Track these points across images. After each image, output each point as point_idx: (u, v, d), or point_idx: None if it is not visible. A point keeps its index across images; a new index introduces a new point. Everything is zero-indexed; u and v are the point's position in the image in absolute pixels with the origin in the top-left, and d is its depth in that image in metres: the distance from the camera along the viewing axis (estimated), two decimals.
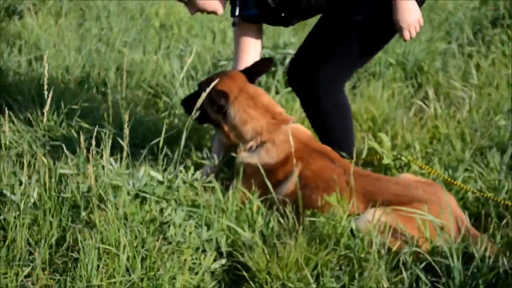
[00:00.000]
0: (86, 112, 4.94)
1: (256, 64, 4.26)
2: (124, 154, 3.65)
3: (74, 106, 4.81)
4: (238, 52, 4.32)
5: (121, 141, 3.70)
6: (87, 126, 4.72)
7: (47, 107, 3.56)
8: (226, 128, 4.17)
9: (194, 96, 4.22)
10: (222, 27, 6.65)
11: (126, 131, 3.55)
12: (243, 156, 4.13)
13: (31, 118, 4.90)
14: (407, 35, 3.81)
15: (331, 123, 4.21)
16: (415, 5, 3.80)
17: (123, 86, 4.83)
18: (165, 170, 3.98)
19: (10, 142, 4.64)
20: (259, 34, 4.33)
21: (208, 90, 3.77)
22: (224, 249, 3.60)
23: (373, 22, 3.99)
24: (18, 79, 5.38)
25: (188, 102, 4.23)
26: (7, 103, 5.03)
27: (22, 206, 3.57)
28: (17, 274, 3.24)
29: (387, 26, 3.91)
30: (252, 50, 4.31)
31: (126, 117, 3.58)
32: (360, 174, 3.83)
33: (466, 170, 4.15)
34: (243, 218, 3.75)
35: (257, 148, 4.09)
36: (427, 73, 5.50)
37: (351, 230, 3.49)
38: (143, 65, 5.72)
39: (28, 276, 3.27)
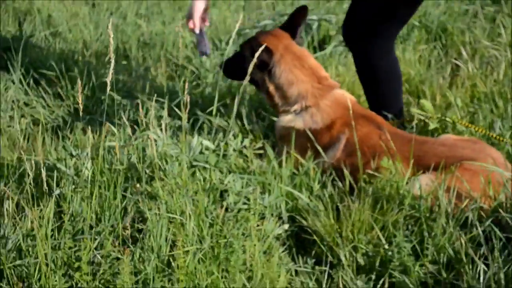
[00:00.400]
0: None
1: (292, 16, 4.21)
2: (183, 123, 3.59)
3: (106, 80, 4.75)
4: None
5: (177, 111, 3.66)
6: (119, 98, 4.68)
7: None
8: (270, 88, 4.11)
9: (235, 58, 4.18)
10: None
11: (186, 98, 3.50)
12: (287, 119, 4.08)
13: (61, 93, 4.84)
14: None
15: (384, 84, 4.19)
16: None
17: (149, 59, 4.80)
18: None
19: (45, 118, 4.60)
20: None
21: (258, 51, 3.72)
22: (284, 214, 3.58)
23: None
24: (40, 54, 5.30)
25: (228, 65, 4.18)
26: (34, 79, 4.96)
27: (77, 180, 3.52)
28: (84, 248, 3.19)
29: None
30: None
31: (185, 85, 3.55)
32: (406, 138, 3.81)
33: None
34: (299, 183, 3.73)
35: (301, 111, 4.05)
36: (452, 34, 5.48)
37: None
38: (163, 36, 5.65)
39: (96, 249, 3.22)
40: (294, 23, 4.19)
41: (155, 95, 4.03)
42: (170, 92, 4.73)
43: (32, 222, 3.22)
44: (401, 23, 4.16)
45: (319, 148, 3.85)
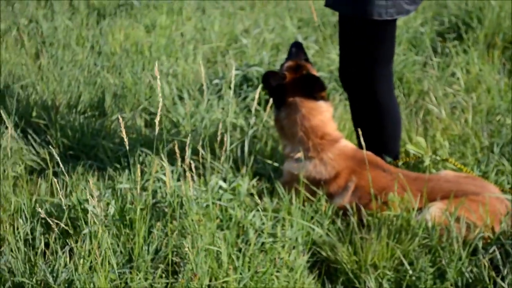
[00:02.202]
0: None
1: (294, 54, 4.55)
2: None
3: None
4: None
5: (203, 153, 3.86)
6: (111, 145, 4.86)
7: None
8: (277, 125, 4.44)
9: (266, 77, 4.42)
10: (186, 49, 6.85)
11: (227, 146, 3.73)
12: (292, 166, 4.33)
13: (50, 140, 4.98)
14: None
15: (381, 125, 4.40)
16: None
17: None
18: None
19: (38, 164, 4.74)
20: None
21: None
22: (304, 247, 3.83)
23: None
24: (20, 105, 5.42)
25: (265, 80, 4.42)
26: (22, 130, 5.10)
27: (102, 219, 3.68)
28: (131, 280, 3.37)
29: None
30: None
31: (225, 125, 3.77)
32: (412, 177, 4.12)
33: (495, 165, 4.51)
34: (309, 219, 3.99)
35: (305, 161, 4.29)
36: (409, 83, 5.86)
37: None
38: (136, 87, 5.84)
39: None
40: (311, 76, 4.44)
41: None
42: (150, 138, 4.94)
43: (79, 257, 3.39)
44: (393, 43, 4.31)
45: (319, 192, 4.13)
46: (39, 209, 3.44)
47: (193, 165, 3.83)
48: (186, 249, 3.41)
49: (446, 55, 6.45)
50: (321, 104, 4.36)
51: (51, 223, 3.68)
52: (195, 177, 4.05)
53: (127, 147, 3.61)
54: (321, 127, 4.32)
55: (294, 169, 4.29)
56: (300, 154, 4.27)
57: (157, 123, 3.50)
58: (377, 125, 4.38)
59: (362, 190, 4.10)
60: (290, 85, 4.35)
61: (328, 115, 4.38)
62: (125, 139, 3.46)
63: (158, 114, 3.51)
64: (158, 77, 3.61)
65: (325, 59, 6.35)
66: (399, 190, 3.98)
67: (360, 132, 4.21)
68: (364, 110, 4.37)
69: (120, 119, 3.49)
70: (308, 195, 4.12)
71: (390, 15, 3.95)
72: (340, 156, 4.24)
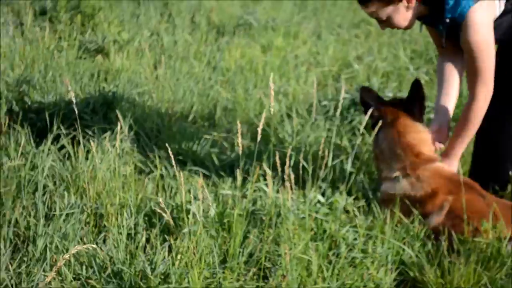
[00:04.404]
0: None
1: (411, 91, 4.51)
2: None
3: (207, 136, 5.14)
4: (440, 83, 4.55)
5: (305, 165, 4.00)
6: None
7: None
8: (376, 151, 4.51)
9: (363, 100, 4.56)
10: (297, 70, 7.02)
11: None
12: (389, 186, 4.42)
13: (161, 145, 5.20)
14: None
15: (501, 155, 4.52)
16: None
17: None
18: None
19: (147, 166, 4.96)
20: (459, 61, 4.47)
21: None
22: (392, 264, 3.91)
23: None
24: (136, 110, 5.68)
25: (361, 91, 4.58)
26: (135, 133, 5.34)
27: (203, 220, 3.85)
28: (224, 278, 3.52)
29: None
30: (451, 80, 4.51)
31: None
32: (508, 205, 4.15)
33: None
34: (401, 239, 4.07)
35: (401, 180, 4.38)
36: None
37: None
38: (245, 102, 6.04)
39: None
40: (412, 97, 4.49)
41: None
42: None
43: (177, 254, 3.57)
44: None
45: (415, 212, 4.19)
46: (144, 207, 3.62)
47: (292, 176, 3.94)
48: (280, 255, 3.54)
49: None
50: (418, 124, 4.45)
51: (154, 220, 3.90)
52: (294, 189, 4.17)
53: (240, 154, 3.75)
54: (417, 145, 4.39)
55: (391, 189, 4.38)
56: (397, 173, 4.35)
57: (259, 130, 3.65)
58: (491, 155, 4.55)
59: (456, 212, 4.14)
60: (387, 108, 4.46)
61: (425, 136, 4.44)
62: (240, 147, 3.61)
63: (261, 123, 3.65)
64: (272, 87, 3.75)
65: (434, 90, 6.40)
66: (494, 218, 4.01)
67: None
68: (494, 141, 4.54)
69: (239, 127, 3.64)
70: (402, 216, 4.18)
71: None
72: (436, 175, 4.29)
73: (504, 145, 4.50)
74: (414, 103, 4.46)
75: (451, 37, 4.22)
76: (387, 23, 4.21)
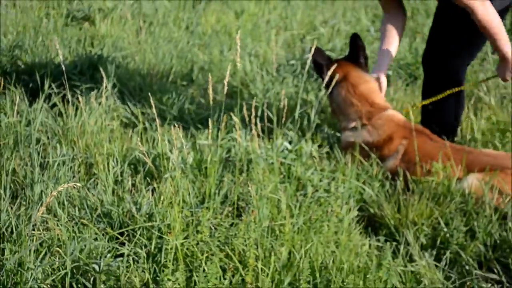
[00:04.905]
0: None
1: (351, 45, 4.69)
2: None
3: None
4: (382, 39, 4.68)
5: (271, 116, 4.10)
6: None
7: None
8: (332, 106, 4.62)
9: (315, 64, 4.68)
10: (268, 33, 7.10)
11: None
12: (348, 134, 4.55)
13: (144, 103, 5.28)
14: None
15: (447, 108, 4.59)
16: None
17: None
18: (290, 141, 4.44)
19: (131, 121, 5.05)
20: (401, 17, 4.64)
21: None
22: (354, 202, 4.04)
23: None
24: (120, 71, 5.75)
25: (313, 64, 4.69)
26: (120, 91, 5.42)
27: (182, 166, 3.95)
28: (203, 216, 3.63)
29: None
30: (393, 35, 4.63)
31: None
32: (456, 148, 4.29)
33: None
34: (362, 181, 4.20)
35: (359, 129, 4.50)
36: (467, 74, 5.96)
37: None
38: (221, 64, 6.13)
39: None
40: (355, 51, 4.66)
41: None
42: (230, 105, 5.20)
43: (159, 195, 3.67)
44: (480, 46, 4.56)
45: (373, 156, 4.32)
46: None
47: (259, 126, 4.05)
48: (251, 194, 3.65)
49: None
50: (366, 74, 4.64)
51: (138, 167, 4.00)
52: (263, 137, 4.28)
53: (211, 111, 3.84)
54: (370, 95, 4.55)
55: (350, 137, 4.50)
56: (355, 123, 4.47)
57: (225, 83, 3.73)
58: (450, 102, 4.59)
59: (410, 154, 4.27)
60: (338, 64, 4.59)
61: (374, 86, 4.60)
62: (211, 102, 3.70)
63: (227, 76, 3.74)
64: (239, 46, 3.84)
65: None
66: (443, 159, 4.14)
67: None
68: (440, 89, 4.56)
69: (210, 81, 3.73)
70: (361, 159, 4.31)
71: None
72: (391, 122, 4.42)
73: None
74: (357, 55, 4.63)
75: None
76: None
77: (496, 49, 4.20)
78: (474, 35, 4.34)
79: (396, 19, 4.62)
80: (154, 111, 3.67)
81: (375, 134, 4.43)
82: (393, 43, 4.61)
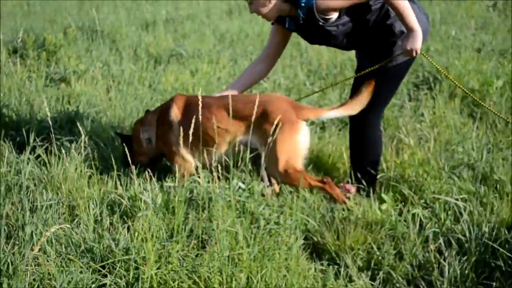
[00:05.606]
0: None
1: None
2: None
3: None
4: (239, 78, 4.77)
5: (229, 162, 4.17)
6: None
7: None
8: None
9: None
10: None
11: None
12: None
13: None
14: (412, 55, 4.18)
15: (368, 153, 4.65)
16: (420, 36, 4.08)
17: None
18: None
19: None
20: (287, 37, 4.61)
21: None
22: (300, 233, 4.12)
23: (398, 66, 4.36)
24: (95, 125, 5.78)
25: None
26: (95, 142, 5.45)
27: (153, 206, 4.00)
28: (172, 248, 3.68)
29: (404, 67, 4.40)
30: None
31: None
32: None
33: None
34: (305, 213, 4.29)
35: None
36: (388, 120, 6.14)
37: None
38: None
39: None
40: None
41: None
42: None
43: (134, 231, 3.71)
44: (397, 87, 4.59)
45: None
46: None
47: (220, 169, 4.13)
48: (214, 229, 3.72)
49: (418, 100, 6.74)
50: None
51: (115, 208, 4.04)
52: (221, 179, 4.35)
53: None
54: None
55: None
56: None
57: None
58: (367, 149, 4.65)
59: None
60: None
61: None
62: None
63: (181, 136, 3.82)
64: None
65: (327, 100, 6.67)
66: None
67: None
68: (361, 139, 4.64)
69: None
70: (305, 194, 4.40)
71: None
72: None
73: (368, 137, 4.63)
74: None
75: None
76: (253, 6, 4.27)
77: (406, 26, 4.08)
78: (392, 89, 4.48)
79: (265, 64, 4.68)
80: (128, 158, 3.71)
81: None
82: (244, 83, 4.74)
